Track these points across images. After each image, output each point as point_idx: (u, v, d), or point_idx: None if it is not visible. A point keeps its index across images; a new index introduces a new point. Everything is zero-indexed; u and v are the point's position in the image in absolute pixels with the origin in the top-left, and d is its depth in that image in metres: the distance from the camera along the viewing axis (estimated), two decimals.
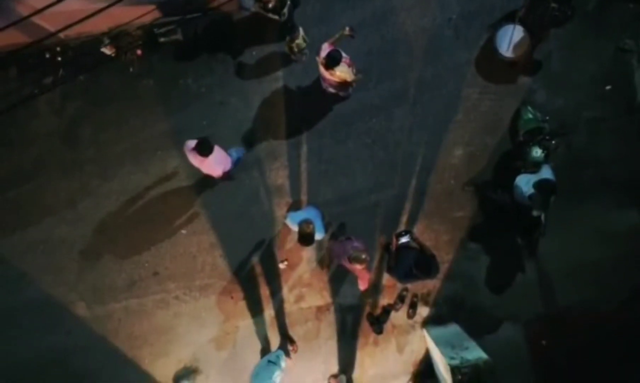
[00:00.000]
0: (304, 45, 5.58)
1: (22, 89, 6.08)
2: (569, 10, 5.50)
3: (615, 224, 5.77)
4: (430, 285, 5.78)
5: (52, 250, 6.00)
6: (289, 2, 5.20)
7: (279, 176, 5.90)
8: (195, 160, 4.76)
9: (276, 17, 5.21)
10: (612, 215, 5.79)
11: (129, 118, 6.04)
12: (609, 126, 5.81)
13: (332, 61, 4.65)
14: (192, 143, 4.69)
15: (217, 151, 4.77)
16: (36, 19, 5.11)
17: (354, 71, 4.97)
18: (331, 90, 5.24)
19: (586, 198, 5.74)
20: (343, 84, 5.02)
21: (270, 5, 5.07)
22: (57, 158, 6.07)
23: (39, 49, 5.92)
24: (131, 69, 6.06)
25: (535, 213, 5.01)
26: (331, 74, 4.82)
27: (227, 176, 5.21)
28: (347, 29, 4.78)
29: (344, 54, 4.77)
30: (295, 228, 4.56)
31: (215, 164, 4.83)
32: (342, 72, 4.80)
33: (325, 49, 4.73)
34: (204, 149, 4.57)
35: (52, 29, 5.55)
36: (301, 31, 5.45)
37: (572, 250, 5.76)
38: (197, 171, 5.83)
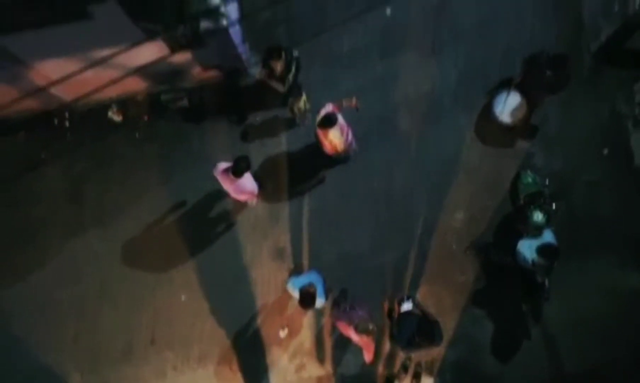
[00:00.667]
0: (305, 108, 5.72)
1: (30, 152, 6.21)
2: (564, 78, 5.66)
3: (619, 284, 5.67)
4: (434, 353, 5.60)
5: (50, 311, 5.91)
6: (293, 70, 5.35)
7: (280, 239, 5.90)
8: (226, 182, 4.83)
9: (280, 86, 5.34)
10: (615, 275, 5.70)
11: (133, 180, 6.12)
12: (607, 187, 5.84)
13: (326, 121, 4.65)
14: (223, 165, 4.78)
15: (247, 174, 4.86)
16: (49, 88, 5.32)
17: (348, 139, 5.02)
18: (326, 151, 5.24)
19: (588, 259, 5.66)
20: (334, 150, 5.07)
21: (276, 74, 5.18)
22: (61, 219, 6.11)
23: (47, 114, 6.09)
24: (137, 135, 6.20)
25: (539, 278, 4.97)
26: (324, 135, 4.84)
27: (258, 198, 5.54)
28: (354, 99, 4.84)
29: (341, 121, 4.81)
30: (296, 294, 4.50)
31: (248, 185, 4.97)
32: (334, 137, 4.83)
33: (327, 108, 4.77)
34: (240, 168, 4.62)
35: (63, 97, 5.74)
36: (303, 95, 5.60)
37: (576, 312, 5.60)
38: (198, 233, 5.94)
